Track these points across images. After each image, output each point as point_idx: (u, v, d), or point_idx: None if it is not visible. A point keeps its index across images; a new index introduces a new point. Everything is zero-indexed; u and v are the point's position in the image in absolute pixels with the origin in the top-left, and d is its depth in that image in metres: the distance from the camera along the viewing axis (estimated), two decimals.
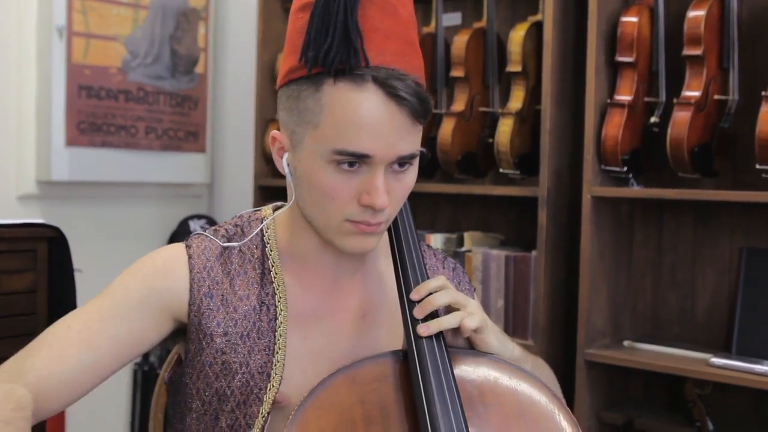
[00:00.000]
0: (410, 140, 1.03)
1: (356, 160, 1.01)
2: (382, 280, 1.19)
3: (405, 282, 1.08)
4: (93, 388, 1.08)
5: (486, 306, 2.42)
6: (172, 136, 3.09)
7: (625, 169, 2.18)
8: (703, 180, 2.18)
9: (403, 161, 1.04)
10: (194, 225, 3.27)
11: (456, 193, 2.62)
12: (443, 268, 1.28)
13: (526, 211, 2.46)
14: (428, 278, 1.09)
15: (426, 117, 1.04)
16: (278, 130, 1.10)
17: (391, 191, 1.04)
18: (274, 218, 1.17)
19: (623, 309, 2.37)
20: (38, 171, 2.78)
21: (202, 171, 3.24)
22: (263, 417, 1.08)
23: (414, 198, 1.17)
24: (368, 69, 0.99)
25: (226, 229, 1.16)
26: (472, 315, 1.06)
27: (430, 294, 1.05)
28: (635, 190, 2.19)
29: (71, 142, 2.79)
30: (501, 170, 2.44)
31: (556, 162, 2.31)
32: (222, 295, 1.10)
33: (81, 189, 2.92)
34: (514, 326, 2.37)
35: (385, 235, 1.14)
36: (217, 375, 1.09)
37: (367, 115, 0.99)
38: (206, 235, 1.15)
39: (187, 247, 1.14)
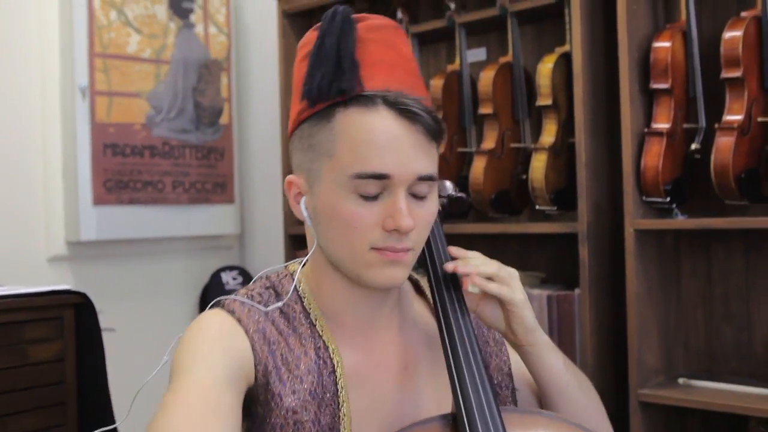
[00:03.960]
0: (426, 159, 1.02)
1: (376, 180, 1.00)
2: (418, 326, 1.16)
3: (450, 340, 1.05)
4: None
5: None
6: (200, 189, 3.06)
7: (668, 199, 2.09)
8: (751, 206, 2.09)
9: (422, 188, 1.02)
10: (226, 277, 3.22)
11: (492, 233, 2.54)
12: None
13: (565, 247, 2.37)
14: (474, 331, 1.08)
15: (440, 136, 1.04)
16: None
17: (414, 217, 1.01)
18: (303, 271, 1.14)
19: (675, 345, 2.26)
20: (67, 231, 2.75)
21: (231, 222, 3.19)
22: None
23: (449, 240, 1.14)
24: (377, 93, 1.00)
25: (259, 293, 1.12)
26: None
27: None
28: (681, 221, 2.10)
29: (99, 201, 2.77)
30: (537, 207, 2.36)
31: (594, 195, 2.23)
32: (281, 354, 1.06)
33: (111, 248, 2.88)
34: None
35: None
36: None
37: (381, 134, 0.99)
38: (242, 300, 1.10)
39: (231, 312, 1.08)
